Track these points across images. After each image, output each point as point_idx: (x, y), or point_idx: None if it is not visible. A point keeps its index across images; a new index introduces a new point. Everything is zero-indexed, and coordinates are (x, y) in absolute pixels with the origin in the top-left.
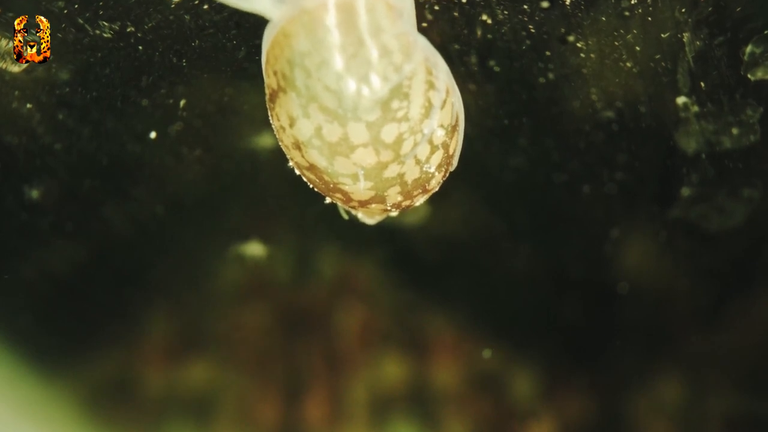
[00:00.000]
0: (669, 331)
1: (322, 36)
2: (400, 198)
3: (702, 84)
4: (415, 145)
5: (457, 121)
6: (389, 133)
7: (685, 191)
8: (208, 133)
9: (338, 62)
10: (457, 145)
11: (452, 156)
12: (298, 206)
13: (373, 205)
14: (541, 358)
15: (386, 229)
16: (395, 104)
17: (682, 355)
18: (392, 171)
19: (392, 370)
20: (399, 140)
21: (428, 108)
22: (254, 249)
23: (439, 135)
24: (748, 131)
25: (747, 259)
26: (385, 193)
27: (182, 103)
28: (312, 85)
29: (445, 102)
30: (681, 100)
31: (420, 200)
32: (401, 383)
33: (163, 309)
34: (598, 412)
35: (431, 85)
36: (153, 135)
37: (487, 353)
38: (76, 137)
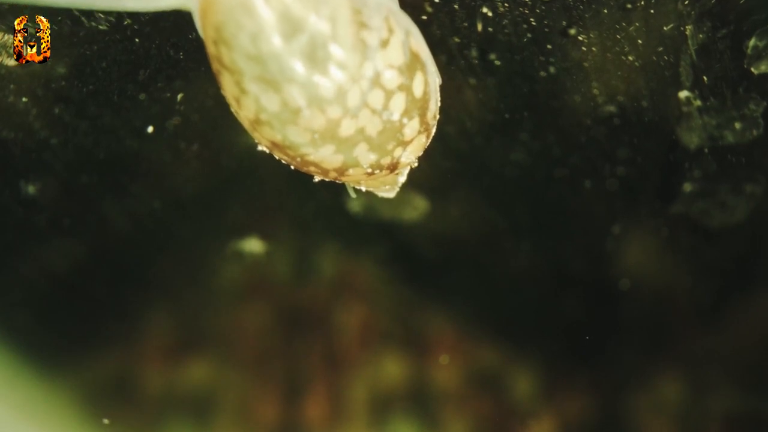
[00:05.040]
0: (670, 328)
1: (229, 0)
2: (373, 156)
3: (705, 78)
4: (363, 93)
5: (414, 59)
6: (327, 86)
7: (687, 187)
8: (206, 127)
9: (249, 23)
10: (425, 85)
11: (423, 99)
12: (297, 202)
13: (351, 171)
14: (541, 357)
15: (386, 226)
16: (321, 53)
17: (683, 353)
18: (348, 128)
19: (392, 369)
20: (341, 92)
21: (363, 50)
22: (253, 245)
23: (389, 77)
24: (751, 126)
25: (749, 256)
26: (354, 154)
27: (180, 97)
28: (236, 57)
29: (387, 41)
30: (683, 94)
31: (406, 154)
32: (401, 382)
33: (162, 307)
34: (599, 411)
35: (362, 25)
36: (150, 129)
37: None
38: (72, 132)
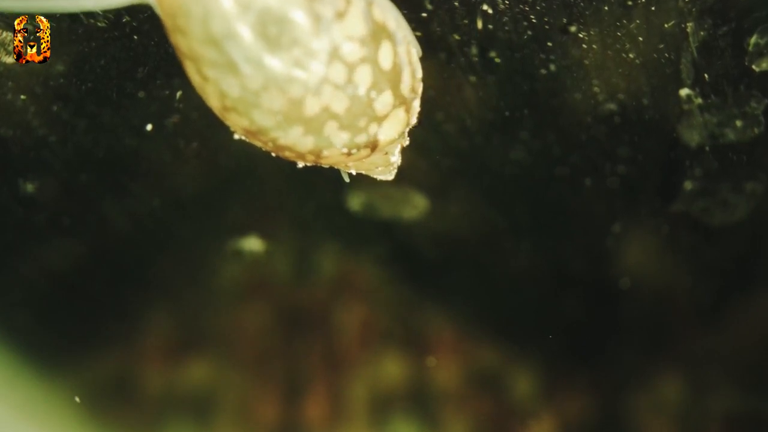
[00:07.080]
0: (670, 328)
1: None
2: (346, 135)
3: (706, 75)
4: (323, 68)
5: (379, 30)
6: (282, 64)
7: (688, 185)
8: (205, 126)
9: (197, 7)
10: (395, 56)
11: (393, 72)
12: (297, 202)
13: (326, 152)
14: (541, 357)
15: (386, 226)
16: (272, 30)
17: (683, 353)
18: (312, 106)
19: (392, 369)
20: (300, 69)
21: (317, 22)
22: (253, 244)
23: (349, 50)
24: (753, 123)
25: (749, 256)
26: (325, 134)
27: (179, 94)
28: (191, 43)
29: (344, 12)
30: (684, 91)
31: (384, 131)
32: (401, 382)
33: (162, 307)
34: (599, 411)
35: None
36: (149, 128)
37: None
38: (71, 130)
